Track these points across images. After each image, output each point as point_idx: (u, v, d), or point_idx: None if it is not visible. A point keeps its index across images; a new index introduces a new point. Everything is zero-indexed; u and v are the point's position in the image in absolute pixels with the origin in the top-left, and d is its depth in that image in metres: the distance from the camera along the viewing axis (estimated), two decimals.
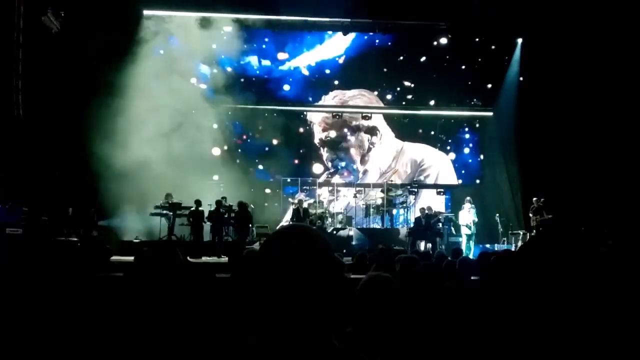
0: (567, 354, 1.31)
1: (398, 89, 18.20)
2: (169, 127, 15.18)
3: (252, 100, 17.43)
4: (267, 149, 17.71)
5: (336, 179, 17.78)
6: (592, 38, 13.98)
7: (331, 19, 16.46)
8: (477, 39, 16.67)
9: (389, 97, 18.28)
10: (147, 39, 15.32)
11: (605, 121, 14.13)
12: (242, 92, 17.44)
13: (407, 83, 18.09)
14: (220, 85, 17.01)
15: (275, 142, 17.71)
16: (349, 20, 16.35)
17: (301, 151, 18.11)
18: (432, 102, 18.03)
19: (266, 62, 18.23)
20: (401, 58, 17.54)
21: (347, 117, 17.95)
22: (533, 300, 1.38)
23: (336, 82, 18.07)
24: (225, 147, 17.37)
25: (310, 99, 18.28)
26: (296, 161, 17.96)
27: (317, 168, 18.08)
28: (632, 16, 13.36)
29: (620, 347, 1.45)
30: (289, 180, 17.71)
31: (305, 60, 18.23)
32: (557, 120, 14.90)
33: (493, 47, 17.12)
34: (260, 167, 17.75)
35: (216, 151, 17.22)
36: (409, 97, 18.10)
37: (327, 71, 18.07)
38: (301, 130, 18.21)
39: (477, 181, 18.07)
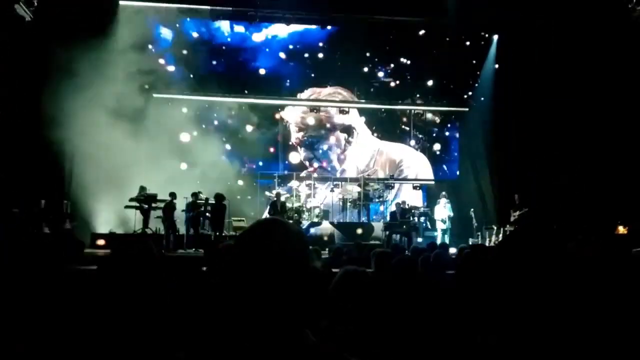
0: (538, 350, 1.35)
1: (392, 65, 17.63)
2: (133, 112, 14.37)
3: (220, 73, 16.05)
4: (240, 135, 16.78)
5: (313, 173, 17.53)
6: (569, 33, 14.17)
7: (309, 14, 16.15)
8: (453, 35, 16.74)
9: (380, 74, 17.70)
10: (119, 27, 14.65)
11: (581, 117, 14.36)
12: (210, 64, 16.09)
13: (402, 60, 17.47)
14: (184, 53, 15.73)
15: (249, 128, 16.84)
16: (326, 16, 16.14)
17: (277, 139, 17.29)
18: (408, 99, 18.08)
19: (239, 29, 16.47)
20: (392, 36, 16.59)
21: (323, 116, 17.54)
22: (504, 295, 1.41)
23: (320, 55, 17.09)
24: (195, 133, 16.36)
25: (288, 81, 17.08)
26: (272, 149, 17.27)
27: (294, 157, 17.49)
28: (610, 11, 13.59)
29: (589, 342, 1.49)
30: (260, 163, 16.96)
31: (285, 29, 16.60)
32: (532, 116, 15.12)
33: (468, 43, 17.28)
34: (233, 154, 16.70)
35: (185, 137, 16.26)
36: (394, 84, 17.76)
37: (306, 55, 17.13)
38: (277, 116, 17.24)
39: (455, 174, 18.18)
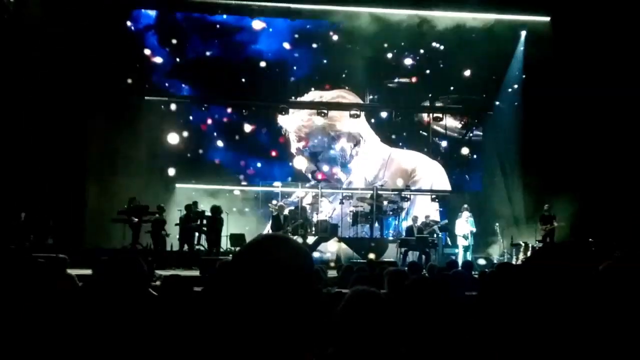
0: None
1: (409, 61, 17.31)
2: (116, 110, 14.10)
3: (214, 58, 15.42)
4: (237, 137, 16.41)
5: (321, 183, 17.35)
6: (603, 31, 14.09)
7: (317, 7, 16.13)
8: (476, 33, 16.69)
9: (408, 61, 17.34)
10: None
11: (616, 122, 14.26)
12: (201, 47, 15.45)
13: (420, 57, 17.13)
14: (170, 35, 15.19)
15: (248, 128, 16.52)
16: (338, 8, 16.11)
17: (280, 140, 16.93)
18: (426, 102, 18.05)
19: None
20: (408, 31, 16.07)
21: (326, 123, 17.31)
22: (530, 318, 1.40)
23: (335, 38, 16.61)
24: (185, 134, 16.00)
25: (292, 76, 16.71)
26: (274, 153, 17.00)
27: (299, 162, 17.17)
28: None
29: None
30: (259, 164, 16.53)
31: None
32: (563, 122, 14.99)
33: (493, 38, 17.18)
34: (230, 159, 16.34)
35: (173, 138, 15.85)
36: (411, 83, 17.56)
37: (314, 45, 16.83)
38: (280, 116, 16.80)
39: (479, 185, 18.02)
